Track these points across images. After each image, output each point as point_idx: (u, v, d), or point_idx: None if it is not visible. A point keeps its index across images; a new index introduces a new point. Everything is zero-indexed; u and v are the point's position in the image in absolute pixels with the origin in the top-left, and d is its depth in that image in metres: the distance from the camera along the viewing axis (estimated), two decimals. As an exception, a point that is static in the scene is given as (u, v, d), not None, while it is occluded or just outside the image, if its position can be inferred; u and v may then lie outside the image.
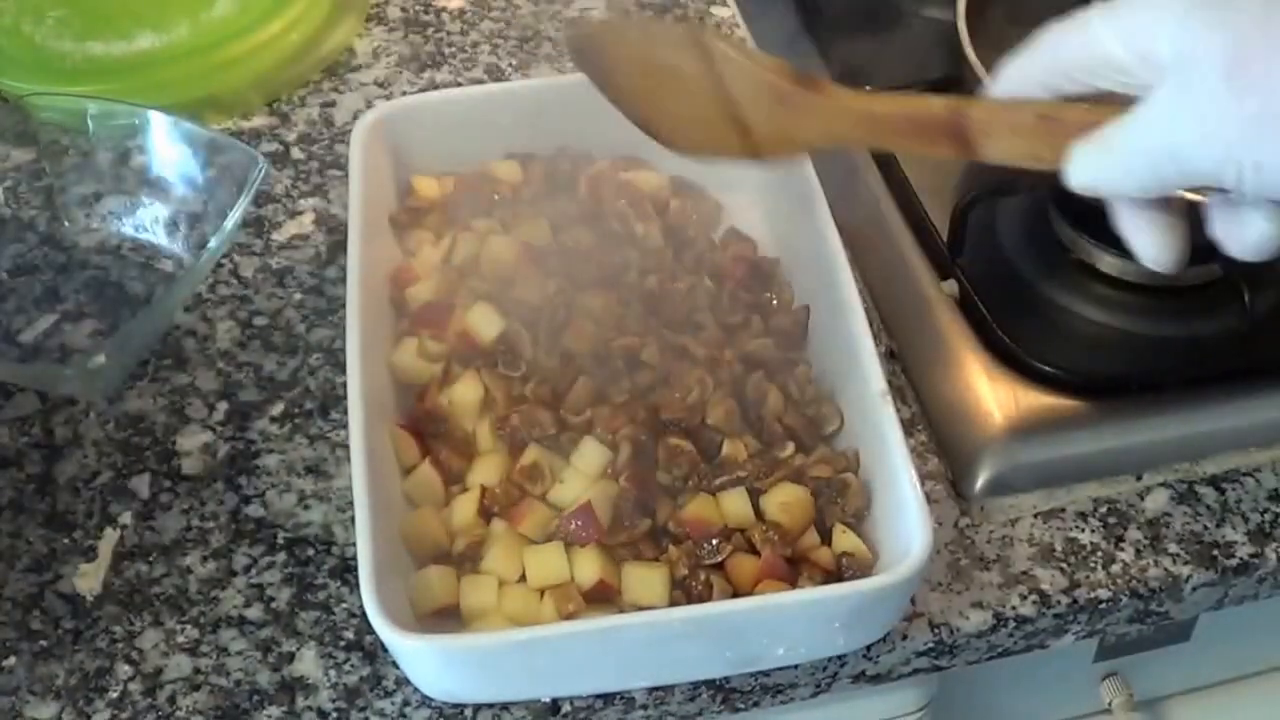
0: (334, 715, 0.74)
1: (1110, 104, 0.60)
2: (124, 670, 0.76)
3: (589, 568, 0.73)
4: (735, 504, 0.75)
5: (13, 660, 0.76)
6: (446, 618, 0.74)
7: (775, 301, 0.86)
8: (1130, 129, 0.59)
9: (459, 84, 1.07)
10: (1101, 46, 0.59)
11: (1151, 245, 0.63)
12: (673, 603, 0.72)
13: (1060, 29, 0.62)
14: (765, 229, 0.91)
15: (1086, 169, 0.61)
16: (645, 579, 0.73)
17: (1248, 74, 0.54)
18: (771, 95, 0.72)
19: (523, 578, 0.74)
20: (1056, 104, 0.62)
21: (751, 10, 1.12)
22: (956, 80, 0.90)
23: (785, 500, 0.75)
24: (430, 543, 0.75)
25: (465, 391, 0.80)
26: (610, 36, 0.80)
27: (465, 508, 0.76)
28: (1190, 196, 0.61)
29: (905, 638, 0.77)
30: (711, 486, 0.76)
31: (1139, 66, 0.58)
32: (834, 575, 0.73)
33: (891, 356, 0.89)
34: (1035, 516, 0.82)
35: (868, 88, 1.03)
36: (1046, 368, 0.85)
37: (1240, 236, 0.60)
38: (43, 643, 0.77)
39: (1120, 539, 0.81)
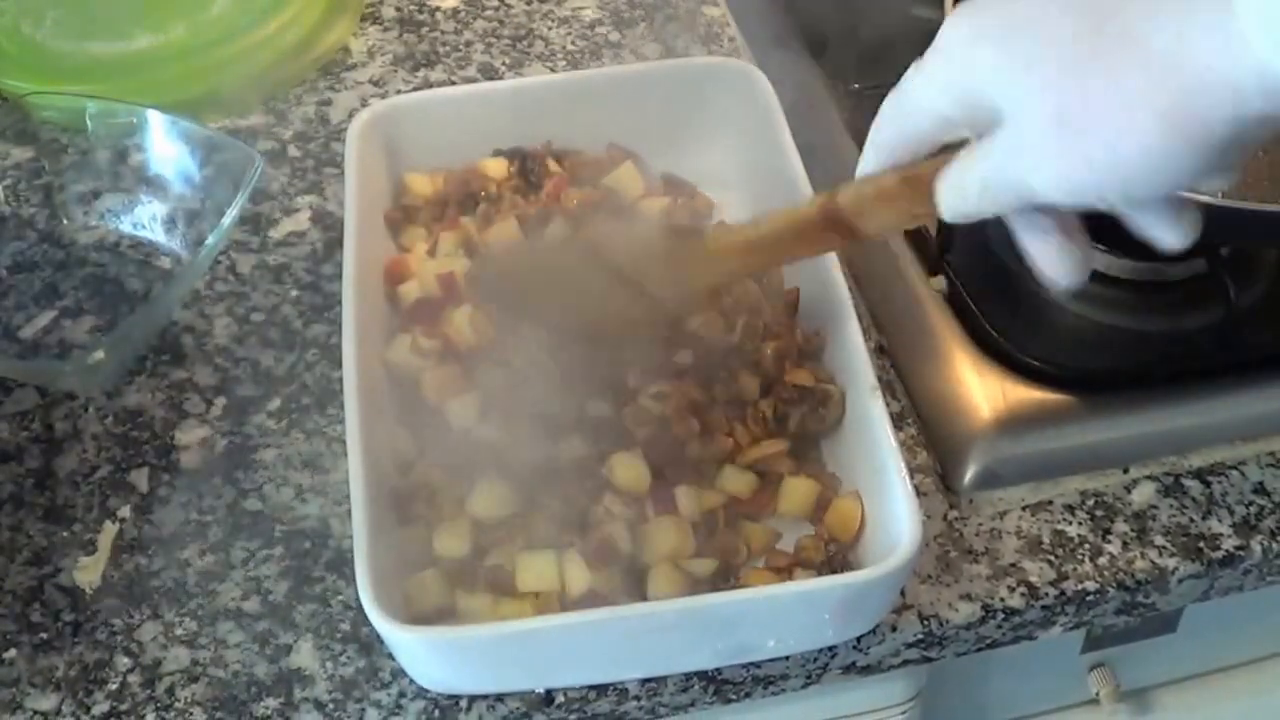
0: (331, 706, 0.74)
1: (949, 152, 0.64)
2: (123, 662, 0.76)
3: (580, 577, 0.74)
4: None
5: (13, 652, 0.77)
6: (442, 619, 0.74)
7: (765, 280, 0.87)
8: (976, 168, 0.62)
9: (453, 83, 1.08)
10: (934, 110, 0.63)
11: (1049, 263, 0.65)
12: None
13: (893, 106, 0.65)
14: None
15: (950, 207, 0.64)
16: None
17: (1073, 121, 0.57)
18: (657, 259, 0.77)
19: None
20: (911, 165, 0.66)
21: (741, 9, 1.13)
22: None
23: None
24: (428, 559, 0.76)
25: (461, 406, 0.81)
26: (506, 263, 0.85)
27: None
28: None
29: (895, 629, 0.77)
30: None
31: (973, 118, 0.61)
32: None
33: (881, 352, 0.89)
34: (1023, 509, 0.83)
35: (855, 85, 1.05)
36: (1034, 362, 0.85)
37: (1159, 239, 0.62)
38: (43, 635, 0.77)
39: (1107, 531, 0.81)
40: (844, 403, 0.80)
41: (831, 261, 0.82)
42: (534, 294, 0.82)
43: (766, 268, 0.83)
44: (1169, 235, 0.62)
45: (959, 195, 0.63)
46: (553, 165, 0.93)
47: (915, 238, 0.93)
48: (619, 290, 0.78)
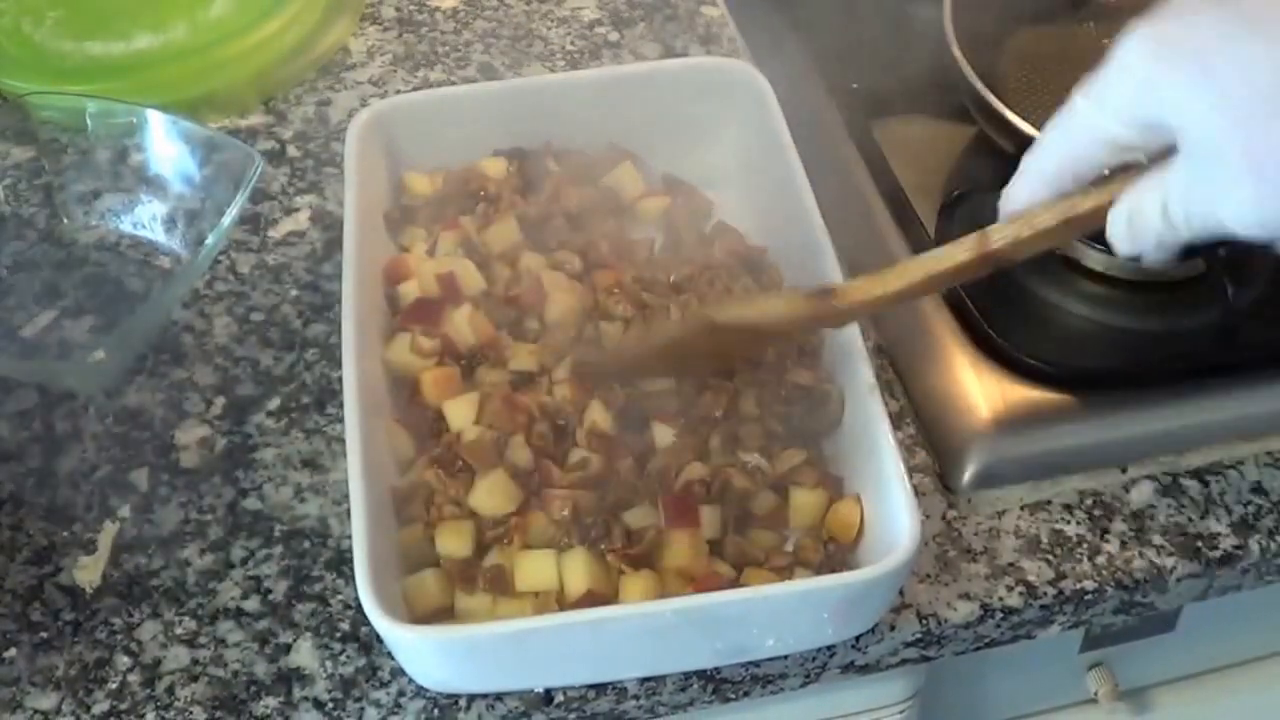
0: (330, 705, 0.75)
1: (1112, 181, 0.62)
2: (123, 661, 0.76)
3: (579, 577, 0.74)
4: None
5: (13, 652, 0.77)
6: (441, 619, 0.74)
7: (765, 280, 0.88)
8: (1156, 196, 0.60)
9: (452, 83, 1.08)
10: (1106, 134, 0.60)
11: None
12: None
13: (1059, 131, 0.62)
14: (754, 225, 0.91)
15: (1124, 238, 0.62)
16: (644, 591, 0.74)
17: (1268, 158, 0.55)
18: (807, 325, 0.76)
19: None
20: (1068, 200, 0.63)
21: (741, 9, 1.13)
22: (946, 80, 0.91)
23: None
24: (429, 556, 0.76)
25: (460, 406, 0.81)
26: (635, 362, 0.82)
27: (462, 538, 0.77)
28: None
29: (893, 628, 0.78)
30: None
31: (1149, 143, 0.59)
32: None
33: (880, 351, 0.89)
34: (1022, 509, 0.83)
35: (854, 85, 1.04)
36: (1033, 362, 0.86)
37: None
38: (43, 634, 0.78)
39: (1106, 531, 0.82)
40: (843, 403, 0.80)
41: (830, 262, 0.82)
42: (659, 371, 0.82)
43: (896, 307, 0.78)
44: None
45: (1131, 225, 0.61)
46: (552, 165, 0.93)
47: (913, 236, 0.93)
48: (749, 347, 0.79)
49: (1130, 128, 0.59)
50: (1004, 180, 0.65)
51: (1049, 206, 0.64)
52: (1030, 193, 0.64)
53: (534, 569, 0.74)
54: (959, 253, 0.67)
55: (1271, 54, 0.55)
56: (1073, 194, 0.63)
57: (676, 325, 0.82)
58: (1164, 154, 0.59)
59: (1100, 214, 0.62)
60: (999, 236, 0.65)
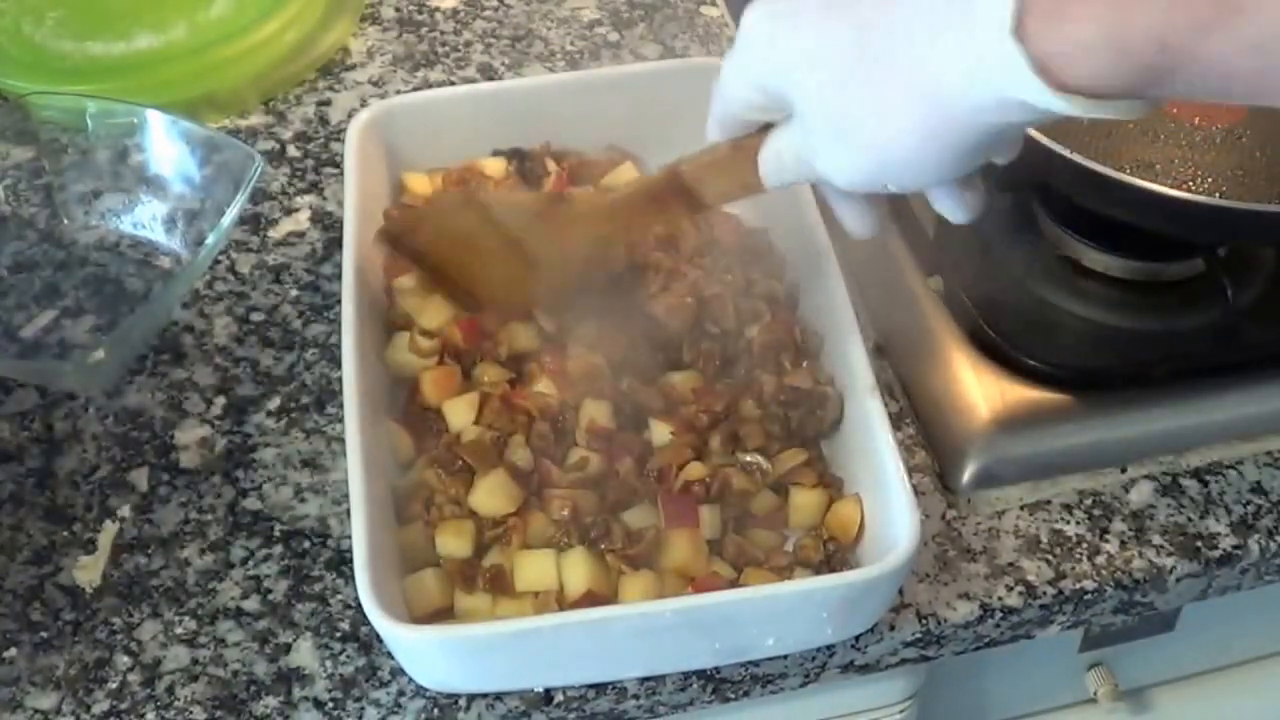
0: (330, 705, 0.75)
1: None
2: (123, 661, 0.77)
3: (579, 577, 0.74)
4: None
5: (13, 651, 0.77)
6: (441, 619, 0.74)
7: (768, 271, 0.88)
8: (779, 146, 0.69)
9: (452, 83, 1.08)
10: (745, 98, 0.68)
11: (845, 217, 0.72)
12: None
13: (717, 87, 0.70)
14: (753, 224, 0.91)
15: (769, 175, 0.70)
16: (644, 591, 0.74)
17: (844, 123, 0.62)
18: (535, 218, 0.82)
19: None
20: (741, 138, 0.71)
21: (740, 10, 1.13)
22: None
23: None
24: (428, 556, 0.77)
25: (459, 406, 0.81)
26: (414, 222, 0.87)
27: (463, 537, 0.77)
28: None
29: (893, 628, 0.78)
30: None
31: (771, 102, 0.66)
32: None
33: (879, 352, 0.90)
34: (1021, 509, 0.83)
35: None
36: (1032, 362, 0.86)
37: (945, 214, 0.68)
38: (43, 634, 0.78)
39: (1105, 531, 0.82)
40: (842, 403, 0.80)
41: (829, 262, 0.82)
42: (441, 252, 0.84)
43: (631, 234, 0.84)
44: (955, 213, 0.67)
45: (775, 166, 0.69)
46: (551, 165, 0.93)
47: (912, 237, 0.93)
48: (508, 251, 0.82)
49: (759, 93, 0.67)
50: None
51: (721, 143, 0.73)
52: (710, 136, 0.73)
53: (534, 569, 0.74)
54: (658, 175, 0.77)
55: (845, 23, 0.61)
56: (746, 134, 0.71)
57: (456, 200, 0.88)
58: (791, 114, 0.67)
59: (759, 150, 0.70)
60: (686, 162, 0.75)
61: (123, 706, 0.75)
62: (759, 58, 0.66)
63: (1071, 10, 0.52)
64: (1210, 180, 0.85)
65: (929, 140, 0.60)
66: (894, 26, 0.59)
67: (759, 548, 0.77)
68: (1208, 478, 0.84)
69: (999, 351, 0.86)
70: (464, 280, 0.84)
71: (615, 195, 0.81)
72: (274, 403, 0.88)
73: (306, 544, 0.81)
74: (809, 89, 0.63)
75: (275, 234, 0.98)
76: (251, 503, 0.83)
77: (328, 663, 0.76)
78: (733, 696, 0.78)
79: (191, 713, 0.74)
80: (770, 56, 0.65)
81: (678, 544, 0.75)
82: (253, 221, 0.98)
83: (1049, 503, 0.83)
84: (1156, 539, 0.81)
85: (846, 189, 0.66)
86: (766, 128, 0.70)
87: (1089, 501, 0.83)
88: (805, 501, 0.78)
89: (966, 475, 0.83)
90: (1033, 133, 0.87)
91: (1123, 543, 0.81)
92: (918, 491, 0.80)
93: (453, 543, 0.75)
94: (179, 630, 0.78)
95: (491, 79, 1.08)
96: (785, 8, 0.64)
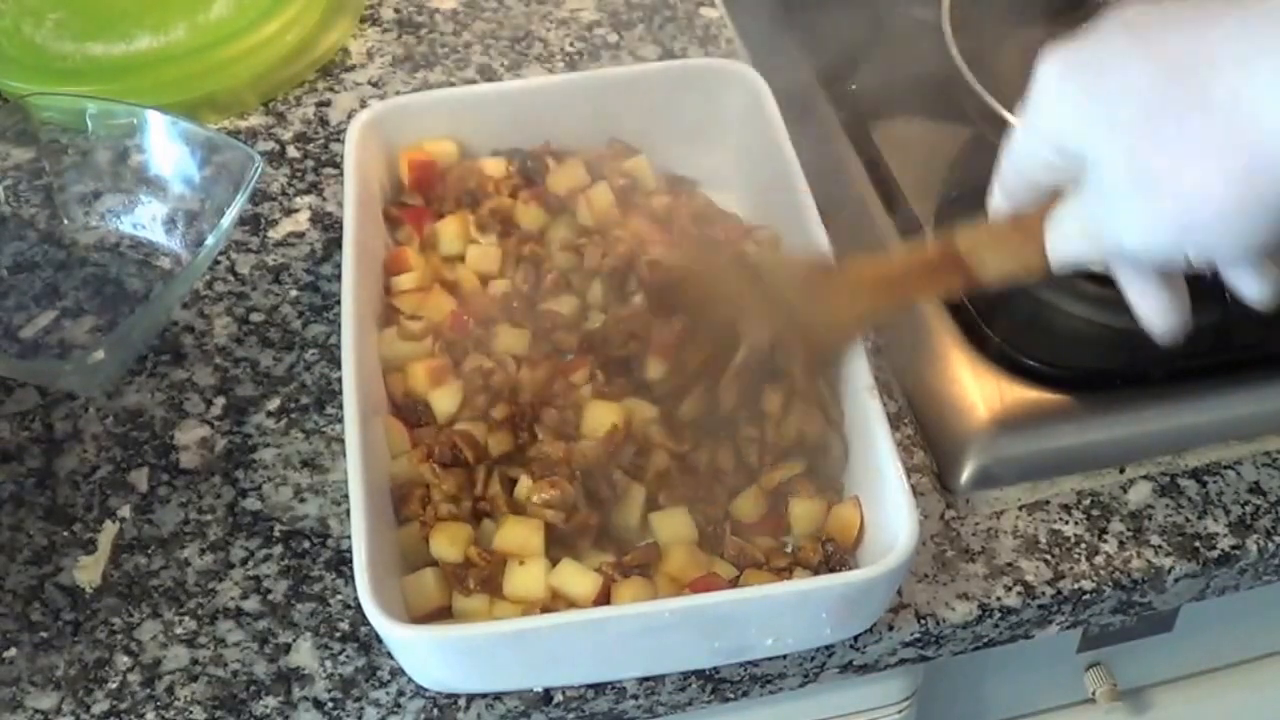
0: (330, 705, 0.75)
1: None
2: (123, 661, 0.77)
3: (580, 588, 0.74)
4: None
5: (13, 651, 0.77)
6: (441, 619, 0.74)
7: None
8: (1072, 215, 0.62)
9: (452, 84, 1.08)
10: (1038, 158, 0.62)
11: (1148, 312, 0.65)
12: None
13: (1007, 150, 0.65)
14: (753, 223, 0.91)
15: (1057, 253, 0.64)
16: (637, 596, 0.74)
17: (1148, 178, 0.56)
18: (805, 285, 0.78)
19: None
20: (1024, 214, 0.65)
21: (739, 11, 1.13)
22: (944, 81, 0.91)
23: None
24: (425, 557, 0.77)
25: (445, 395, 0.82)
26: (678, 279, 0.83)
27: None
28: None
29: (892, 628, 0.78)
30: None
31: (1066, 161, 0.60)
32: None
33: (878, 351, 0.90)
34: (1020, 509, 0.83)
35: (852, 86, 1.04)
36: (1031, 362, 0.86)
37: (1244, 292, 0.62)
38: (43, 634, 0.78)
39: (1103, 531, 0.82)
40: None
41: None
42: (700, 299, 0.82)
43: (897, 308, 0.82)
44: (1258, 290, 0.61)
45: (1064, 242, 0.63)
46: (552, 165, 0.93)
47: (911, 237, 0.93)
48: (774, 315, 0.79)
49: (1055, 153, 0.60)
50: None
51: (1002, 218, 0.67)
52: (996, 206, 0.67)
53: (524, 579, 0.75)
54: (931, 248, 0.73)
55: (1148, 68, 0.55)
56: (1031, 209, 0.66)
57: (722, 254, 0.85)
58: (1084, 178, 0.60)
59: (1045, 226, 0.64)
60: (962, 235, 0.70)
61: (123, 706, 0.75)
62: (1058, 114, 0.59)
63: None
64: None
65: (1242, 192, 0.53)
66: (1205, 60, 0.53)
67: (759, 549, 0.77)
68: (1206, 478, 0.84)
69: (998, 351, 0.86)
70: (723, 338, 0.81)
71: (887, 267, 0.77)
72: (274, 403, 0.88)
73: (306, 544, 0.81)
74: (1109, 139, 0.57)
75: (275, 234, 0.98)
76: (251, 503, 0.83)
77: (327, 663, 0.76)
78: (732, 697, 0.78)
79: (191, 713, 0.74)
80: (1071, 112, 0.59)
81: (671, 551, 0.76)
82: (252, 222, 0.98)
83: (1047, 503, 0.83)
84: (1155, 539, 0.81)
85: (1141, 254, 0.59)
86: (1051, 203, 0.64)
87: (1087, 502, 0.83)
88: (805, 511, 0.77)
89: (965, 475, 0.83)
90: (1016, 122, 0.87)
91: (1121, 543, 0.81)
92: (916, 492, 0.80)
93: (447, 547, 0.75)
94: (179, 630, 0.78)
95: (491, 80, 1.08)
96: (1087, 57, 0.58)
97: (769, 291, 0.79)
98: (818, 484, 0.79)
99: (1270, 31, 0.50)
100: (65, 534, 0.82)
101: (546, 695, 0.75)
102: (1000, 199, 0.67)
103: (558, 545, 0.76)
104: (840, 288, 0.78)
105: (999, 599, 0.79)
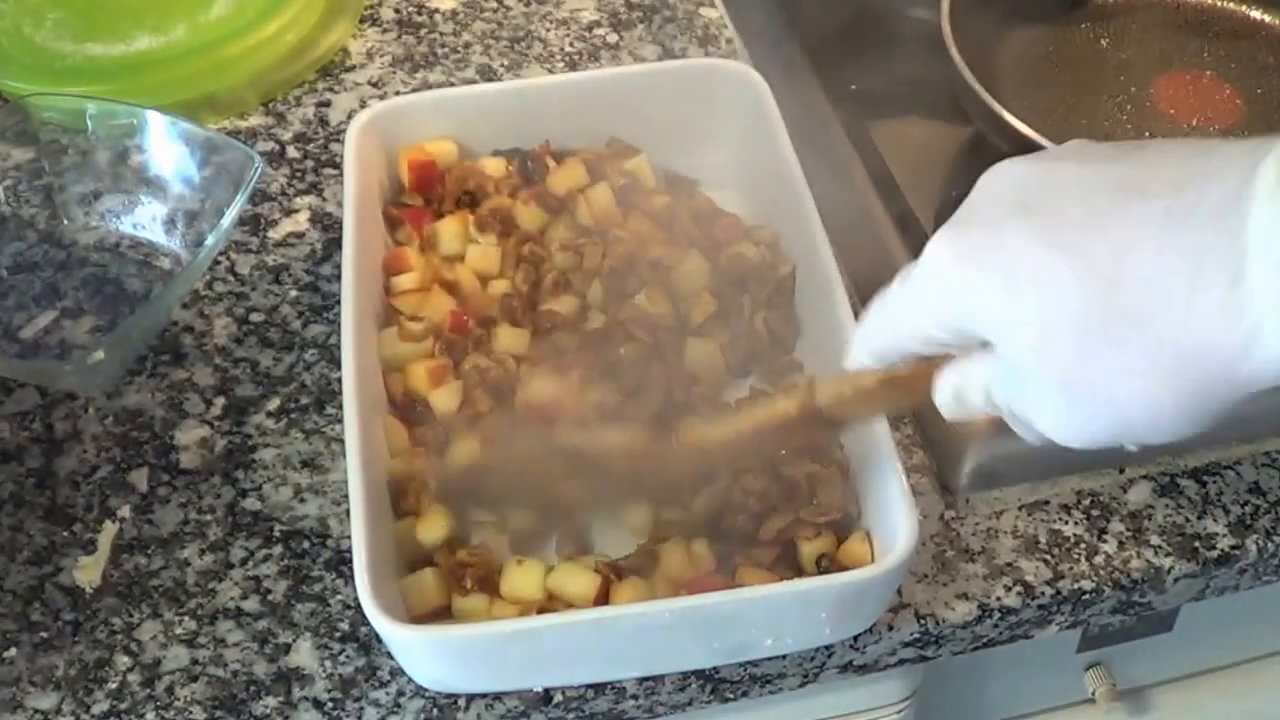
0: (330, 705, 0.75)
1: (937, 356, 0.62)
2: (123, 661, 0.77)
3: (579, 588, 0.74)
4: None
5: (13, 651, 0.77)
6: (440, 619, 0.74)
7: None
8: (976, 384, 0.60)
9: (451, 84, 1.08)
10: (921, 332, 0.60)
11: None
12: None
13: (879, 317, 0.62)
14: (752, 222, 0.92)
15: (948, 409, 0.62)
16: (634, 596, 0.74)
17: (1079, 385, 0.54)
18: (638, 459, 0.76)
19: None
20: (886, 370, 0.64)
21: (739, 11, 1.13)
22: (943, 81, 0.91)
23: None
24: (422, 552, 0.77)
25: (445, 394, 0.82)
26: (470, 476, 0.80)
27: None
28: None
29: (891, 628, 0.78)
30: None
31: (959, 339, 0.58)
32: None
33: (878, 352, 0.90)
34: (1019, 509, 0.83)
35: (853, 87, 1.05)
36: (1030, 362, 0.85)
37: None
38: (43, 634, 0.78)
39: (1103, 531, 0.82)
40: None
41: (828, 262, 0.82)
42: (509, 494, 0.80)
43: (751, 465, 0.78)
44: None
45: (953, 400, 0.61)
46: (552, 165, 0.93)
47: (912, 236, 0.93)
48: (606, 487, 0.78)
49: (943, 330, 0.58)
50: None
51: (864, 373, 0.65)
52: (858, 365, 0.65)
53: (521, 582, 0.75)
54: (787, 405, 0.70)
55: (1078, 276, 0.53)
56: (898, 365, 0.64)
57: (524, 446, 0.80)
58: (981, 345, 0.58)
59: (923, 380, 0.62)
60: (822, 391, 0.68)
61: (123, 706, 0.75)
62: (949, 295, 0.57)
63: None
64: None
65: (1190, 402, 0.52)
66: (1139, 279, 0.51)
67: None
68: (1205, 478, 0.85)
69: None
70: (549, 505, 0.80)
71: (735, 429, 0.74)
72: (274, 403, 0.88)
73: (306, 544, 0.81)
74: (1025, 343, 0.55)
75: (275, 235, 0.98)
76: (251, 503, 0.83)
77: (327, 663, 0.76)
78: (731, 697, 0.78)
79: (191, 713, 0.75)
80: (966, 297, 0.56)
81: (671, 557, 0.76)
82: (252, 222, 0.98)
83: (1047, 503, 0.83)
84: (1154, 539, 0.81)
85: (1058, 441, 0.58)
86: (927, 358, 0.62)
87: (1087, 502, 0.83)
88: (813, 550, 0.76)
89: (965, 475, 0.83)
90: (1014, 123, 0.87)
91: (1121, 543, 0.81)
92: (916, 491, 0.80)
93: (430, 531, 0.76)
94: (179, 630, 0.78)
95: (491, 80, 1.08)
96: (983, 240, 0.56)
97: (596, 473, 0.77)
98: (820, 525, 0.77)
99: (1203, 265, 0.49)
100: (65, 534, 0.82)
101: (546, 695, 0.75)
102: (867, 360, 0.65)
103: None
104: (678, 457, 0.76)
105: (999, 599, 0.79)
